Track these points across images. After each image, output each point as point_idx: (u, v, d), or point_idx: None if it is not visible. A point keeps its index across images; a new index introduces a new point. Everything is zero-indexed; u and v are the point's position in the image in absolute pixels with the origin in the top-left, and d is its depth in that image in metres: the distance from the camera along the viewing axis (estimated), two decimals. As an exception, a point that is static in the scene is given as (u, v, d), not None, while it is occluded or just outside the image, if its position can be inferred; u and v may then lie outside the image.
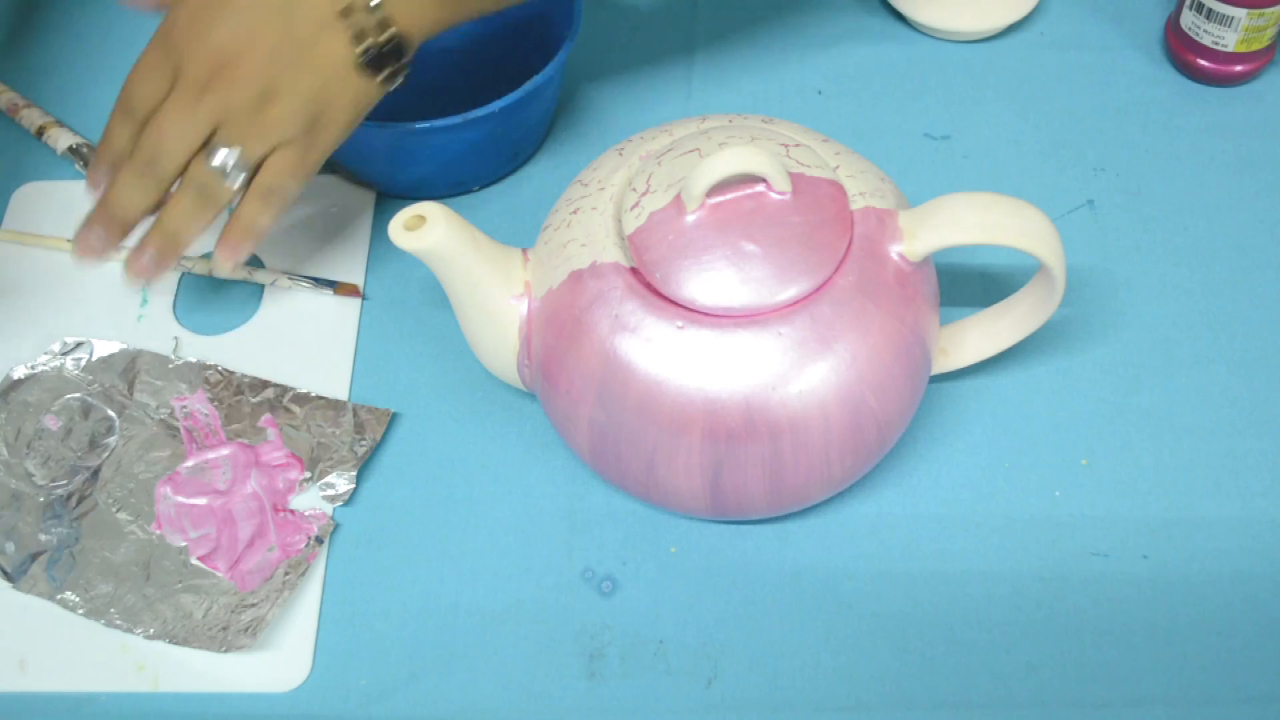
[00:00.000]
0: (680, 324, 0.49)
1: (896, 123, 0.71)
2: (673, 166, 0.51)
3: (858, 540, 0.57)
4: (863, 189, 0.52)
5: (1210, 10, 0.67)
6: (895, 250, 0.51)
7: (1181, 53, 0.70)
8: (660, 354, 0.49)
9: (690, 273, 0.49)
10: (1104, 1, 0.75)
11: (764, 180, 0.50)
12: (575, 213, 0.53)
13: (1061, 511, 0.57)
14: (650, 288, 0.50)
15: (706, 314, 0.49)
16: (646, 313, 0.50)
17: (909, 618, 0.55)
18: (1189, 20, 0.69)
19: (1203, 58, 0.70)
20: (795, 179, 0.50)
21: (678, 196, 0.50)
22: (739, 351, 0.49)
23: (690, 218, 0.50)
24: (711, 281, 0.49)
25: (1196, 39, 0.69)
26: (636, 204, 0.51)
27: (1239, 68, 0.70)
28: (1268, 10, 0.66)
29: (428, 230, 0.50)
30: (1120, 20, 0.74)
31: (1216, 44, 0.69)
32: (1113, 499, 0.57)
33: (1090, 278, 0.64)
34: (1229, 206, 0.66)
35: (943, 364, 0.57)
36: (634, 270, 0.50)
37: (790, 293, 0.49)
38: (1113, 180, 0.68)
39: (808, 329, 0.49)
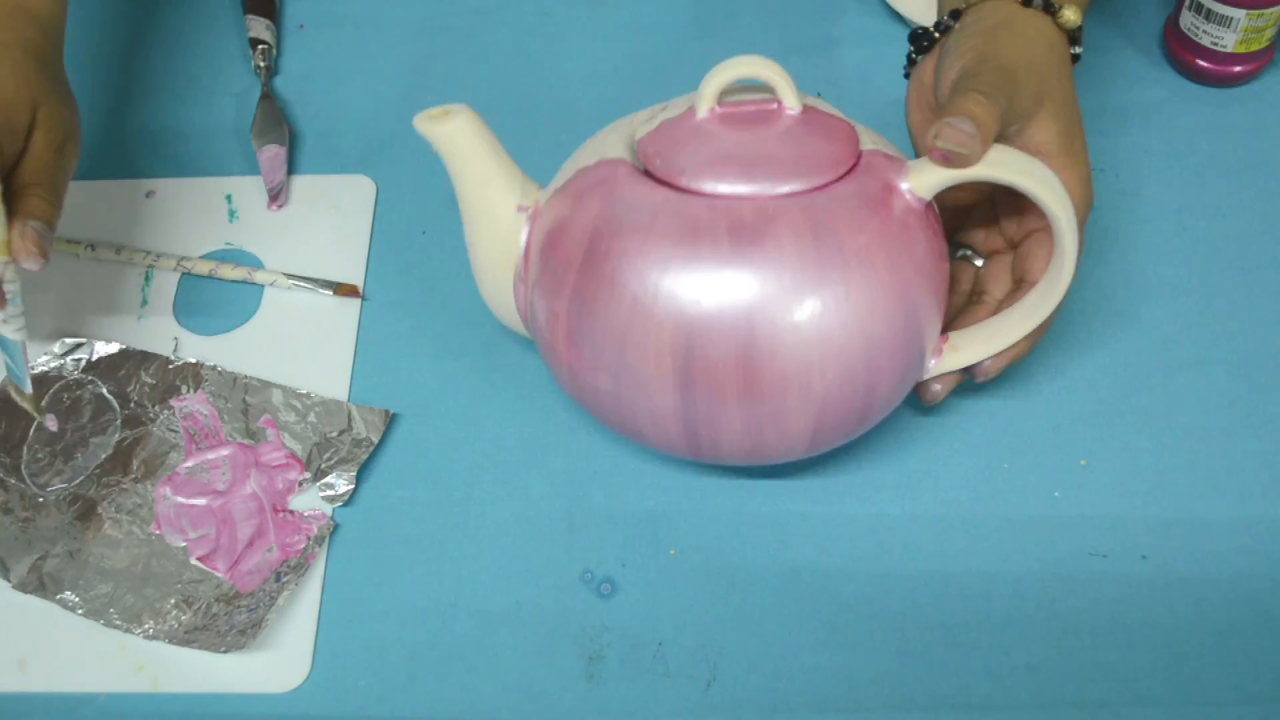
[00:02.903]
0: (671, 198, 0.49)
1: (896, 123, 0.71)
2: (687, 98, 0.53)
3: (857, 541, 0.57)
4: (875, 141, 0.53)
5: (1209, 11, 0.67)
6: (904, 185, 0.50)
7: (1180, 53, 0.70)
8: (647, 222, 0.49)
9: (690, 159, 0.49)
10: (1103, 2, 0.75)
11: (777, 101, 0.51)
12: (585, 145, 0.54)
13: (1061, 512, 0.57)
14: (651, 175, 0.50)
15: (701, 194, 0.49)
16: (639, 185, 0.50)
17: (908, 619, 0.55)
18: (1188, 21, 0.69)
19: (1202, 58, 0.70)
20: (807, 108, 0.51)
21: (691, 108, 0.51)
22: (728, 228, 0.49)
23: (700, 117, 0.51)
24: (710, 166, 0.49)
25: (1195, 39, 0.69)
26: (650, 119, 0.52)
27: (1238, 68, 0.70)
28: (1267, 11, 0.66)
29: (450, 118, 0.51)
30: (1119, 21, 0.74)
31: (1215, 44, 0.69)
32: (1112, 499, 0.57)
33: (1090, 278, 0.64)
34: (1228, 207, 0.66)
35: (953, 360, 0.55)
36: (642, 171, 0.51)
37: (791, 186, 0.49)
38: (1112, 181, 0.68)
39: (803, 224, 0.48)
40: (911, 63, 0.59)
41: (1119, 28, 0.74)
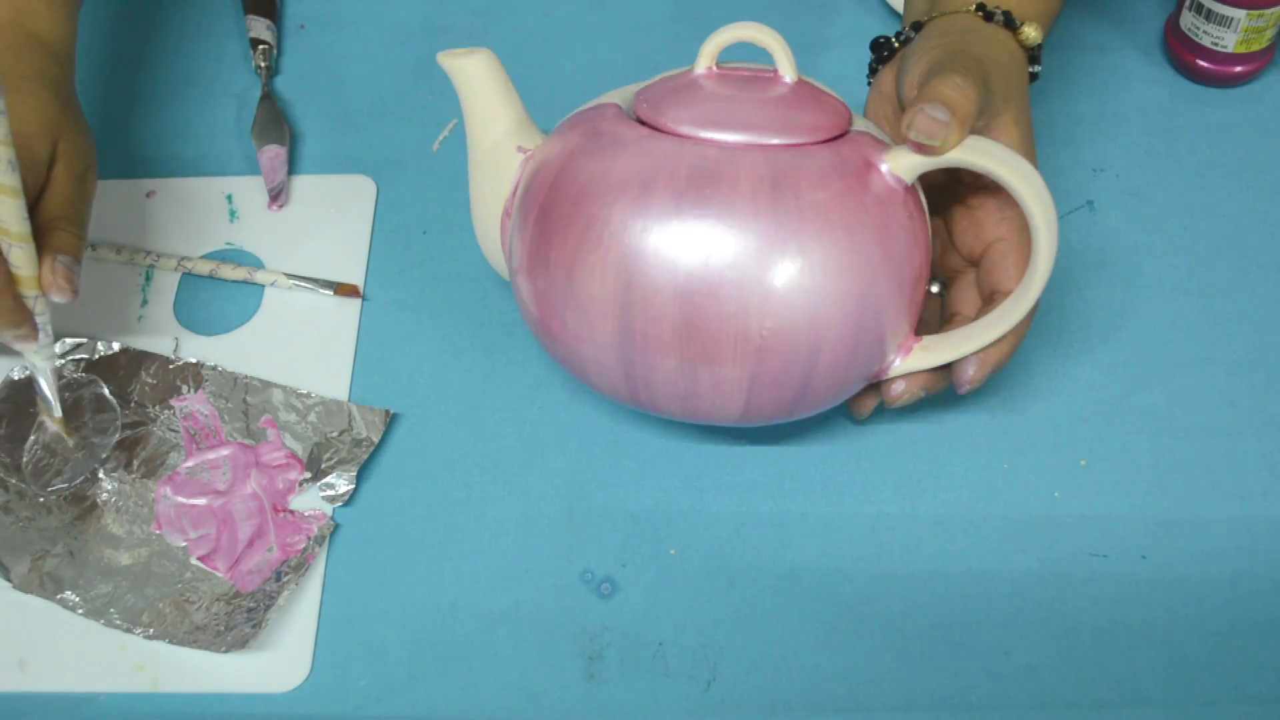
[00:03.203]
0: (644, 135, 0.50)
1: (896, 123, 0.71)
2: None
3: (856, 541, 0.57)
4: (867, 127, 0.53)
5: (1210, 11, 0.67)
6: (884, 165, 0.50)
7: (1181, 53, 0.70)
8: (614, 153, 0.50)
9: (673, 106, 0.51)
10: (1103, 2, 0.75)
11: (774, 71, 0.52)
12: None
13: (1060, 512, 0.57)
14: (638, 120, 0.52)
15: (674, 134, 0.50)
16: (619, 123, 0.51)
17: (908, 619, 0.55)
18: (1188, 21, 0.69)
19: (1202, 58, 0.70)
20: (804, 82, 0.52)
21: (690, 68, 0.53)
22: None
23: (696, 74, 0.52)
24: (690, 113, 0.50)
25: (1196, 40, 0.69)
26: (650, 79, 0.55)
27: (1238, 68, 0.70)
28: (1267, 11, 0.66)
29: (470, 55, 0.54)
30: (1120, 21, 0.74)
31: (1216, 45, 0.69)
32: (1112, 499, 0.57)
33: (1089, 278, 0.64)
34: (1228, 207, 0.66)
35: (922, 360, 0.53)
36: (631, 117, 0.52)
37: (764, 139, 0.49)
38: (1112, 181, 0.68)
39: (764, 171, 0.48)
40: (873, 71, 0.59)
41: (1119, 28, 0.74)
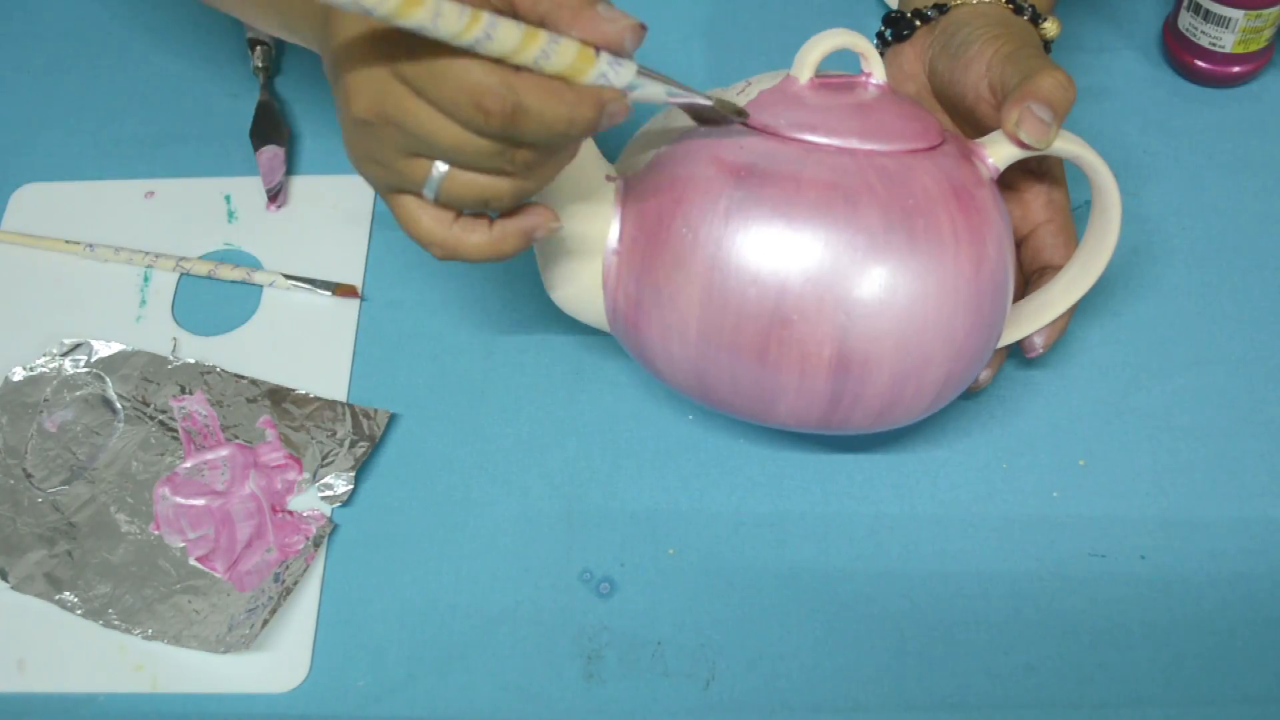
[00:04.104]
0: (811, 149, 0.49)
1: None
2: (768, 76, 0.53)
3: (855, 541, 0.57)
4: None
5: (1208, 11, 0.67)
6: (990, 159, 0.51)
7: (1179, 54, 0.70)
8: (799, 169, 0.48)
9: (800, 115, 0.50)
10: (1101, 3, 0.75)
11: (867, 75, 0.52)
12: (653, 121, 0.54)
13: (1059, 512, 0.57)
14: (761, 129, 0.50)
15: (827, 148, 0.49)
16: (765, 140, 0.50)
17: (906, 618, 0.55)
18: (1186, 21, 0.69)
19: (1200, 59, 0.70)
20: (889, 86, 0.53)
21: (785, 79, 0.52)
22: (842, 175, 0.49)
23: (800, 84, 0.51)
24: (820, 119, 0.50)
25: (1194, 40, 0.69)
26: (742, 91, 0.52)
27: (1236, 69, 0.70)
28: (1265, 11, 0.66)
29: None
30: (1118, 21, 0.74)
31: (1214, 45, 0.69)
32: (1110, 500, 0.57)
33: (1088, 278, 0.64)
34: (1227, 207, 0.66)
35: (1002, 336, 0.55)
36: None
37: (891, 146, 0.49)
38: (1111, 181, 0.68)
39: (938, 174, 0.49)
40: (885, 42, 0.59)
41: (1118, 28, 0.74)
